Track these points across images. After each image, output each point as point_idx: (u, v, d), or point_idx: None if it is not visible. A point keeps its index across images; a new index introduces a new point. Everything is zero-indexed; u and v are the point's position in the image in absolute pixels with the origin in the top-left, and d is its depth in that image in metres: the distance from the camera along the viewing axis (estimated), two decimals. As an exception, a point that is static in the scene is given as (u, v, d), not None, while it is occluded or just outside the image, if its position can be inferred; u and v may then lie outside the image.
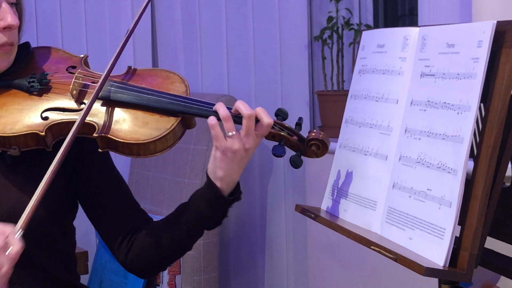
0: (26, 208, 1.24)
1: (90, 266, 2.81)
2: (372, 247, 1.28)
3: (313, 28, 2.90)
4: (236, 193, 1.45)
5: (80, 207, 1.58)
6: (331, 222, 1.45)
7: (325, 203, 1.55)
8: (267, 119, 1.37)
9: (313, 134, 1.41)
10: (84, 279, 2.72)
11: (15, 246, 1.20)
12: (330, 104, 2.70)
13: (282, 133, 1.41)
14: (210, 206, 1.42)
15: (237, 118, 1.37)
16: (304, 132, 1.44)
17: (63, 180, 1.49)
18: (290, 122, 1.45)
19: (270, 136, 1.42)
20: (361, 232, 1.36)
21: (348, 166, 1.49)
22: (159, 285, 2.75)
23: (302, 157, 1.42)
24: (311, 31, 2.89)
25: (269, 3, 2.89)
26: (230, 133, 1.36)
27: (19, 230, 1.22)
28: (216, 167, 1.40)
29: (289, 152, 1.42)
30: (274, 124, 1.41)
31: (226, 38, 3.04)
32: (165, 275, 2.74)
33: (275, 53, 2.89)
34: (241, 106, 1.37)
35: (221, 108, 1.37)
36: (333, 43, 2.72)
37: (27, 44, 1.54)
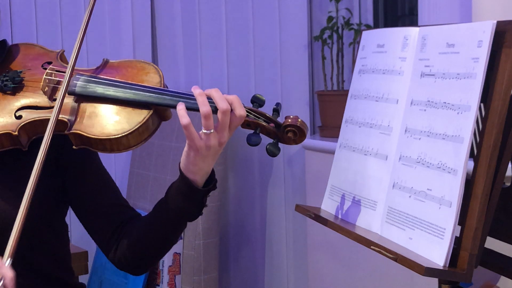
0: (11, 235, 1.21)
1: (90, 266, 2.81)
2: (372, 247, 1.28)
3: (313, 28, 2.90)
4: (211, 182, 1.40)
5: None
6: (331, 222, 1.45)
7: (325, 203, 1.55)
8: (240, 111, 1.31)
9: (290, 120, 1.36)
10: (84, 279, 2.72)
11: (7, 276, 1.18)
12: (330, 104, 2.69)
13: (258, 121, 1.36)
14: (187, 200, 1.39)
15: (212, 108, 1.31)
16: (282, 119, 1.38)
17: (47, 179, 1.47)
18: (284, 113, 1.40)
19: (245, 125, 1.36)
20: (361, 232, 1.36)
21: (348, 166, 1.49)
22: (159, 285, 2.75)
23: (280, 145, 1.37)
24: (311, 31, 2.89)
25: (269, 3, 2.89)
26: (207, 131, 1.31)
27: (7, 259, 1.20)
28: (190, 163, 1.35)
29: (266, 141, 1.37)
30: (249, 112, 1.36)
31: (226, 38, 3.03)
32: (165, 275, 2.74)
33: (275, 53, 2.89)
34: (217, 99, 1.31)
35: (203, 104, 1.30)
36: (333, 43, 2.72)
37: (3, 41, 1.53)
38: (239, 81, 3.01)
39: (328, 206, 1.53)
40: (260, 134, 1.36)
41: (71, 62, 1.39)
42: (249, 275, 3.07)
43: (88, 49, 3.06)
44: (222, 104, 1.30)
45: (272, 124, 1.37)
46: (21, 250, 1.41)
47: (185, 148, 1.35)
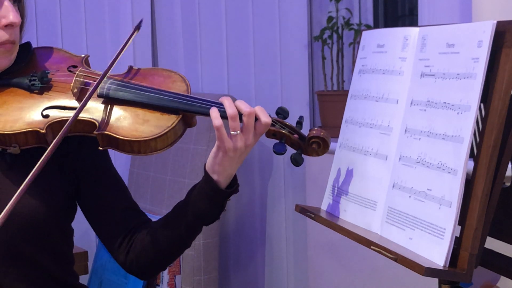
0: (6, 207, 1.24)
1: (90, 266, 2.81)
2: (372, 247, 1.28)
3: (313, 28, 2.90)
4: (233, 185, 1.44)
5: (79, 209, 1.57)
6: (331, 222, 1.45)
7: (325, 203, 1.55)
8: (265, 118, 1.38)
9: (314, 132, 1.41)
10: (84, 279, 2.72)
11: None
12: (330, 104, 2.70)
13: (283, 131, 1.41)
14: (208, 200, 1.42)
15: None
16: (304, 131, 1.44)
17: (62, 181, 1.49)
18: (291, 121, 1.45)
19: (271, 134, 1.42)
20: (361, 232, 1.36)
21: (348, 166, 1.49)
22: (159, 285, 2.75)
23: (303, 156, 1.43)
24: (311, 31, 2.89)
25: (269, 3, 2.89)
26: (234, 132, 1.37)
27: None
28: (216, 164, 1.40)
29: (290, 151, 1.42)
30: (275, 122, 1.41)
31: (226, 38, 3.04)
32: (165, 275, 2.74)
33: (275, 53, 2.89)
34: (241, 104, 1.38)
35: (229, 107, 1.38)
36: (333, 43, 2.72)
37: (28, 44, 1.54)
38: (239, 81, 3.01)
39: (328, 206, 1.53)
40: (286, 144, 1.41)
41: (110, 65, 1.42)
42: (249, 275, 3.07)
43: (88, 49, 3.07)
44: (245, 108, 1.37)
45: (296, 136, 1.42)
46: (29, 251, 1.41)
47: (214, 149, 1.41)
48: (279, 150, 1.39)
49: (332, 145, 1.44)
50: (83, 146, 1.49)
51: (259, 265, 3.04)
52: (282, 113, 1.44)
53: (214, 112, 1.37)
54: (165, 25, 3.23)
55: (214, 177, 1.41)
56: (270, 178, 2.96)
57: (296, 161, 1.41)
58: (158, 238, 1.48)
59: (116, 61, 1.44)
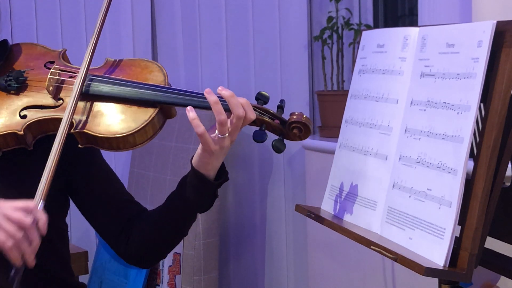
0: (41, 179, 1.27)
1: (90, 266, 2.81)
2: (372, 247, 1.28)
3: (313, 28, 2.90)
4: (222, 175, 1.43)
5: (72, 205, 1.57)
6: (331, 222, 1.45)
7: (325, 203, 1.55)
8: (251, 114, 1.34)
9: (295, 116, 1.38)
10: (84, 279, 2.72)
11: (42, 218, 1.23)
12: (330, 104, 2.69)
13: (263, 118, 1.38)
14: (199, 192, 1.42)
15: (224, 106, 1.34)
16: (286, 115, 1.40)
17: (54, 177, 1.48)
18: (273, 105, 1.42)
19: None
20: (361, 232, 1.36)
21: (348, 166, 1.49)
22: (159, 285, 2.75)
23: (285, 141, 1.39)
24: (311, 31, 2.89)
25: (269, 3, 2.88)
26: (222, 135, 1.34)
27: (40, 202, 1.25)
28: (203, 163, 1.39)
29: (271, 138, 1.38)
30: (255, 109, 1.38)
31: (226, 38, 3.03)
32: (165, 275, 2.74)
33: (275, 53, 2.89)
34: (234, 105, 1.33)
35: (220, 114, 1.32)
36: (333, 43, 2.72)
37: (4, 41, 1.53)
38: (239, 81, 3.01)
39: (328, 206, 1.53)
40: (266, 131, 1.37)
41: (84, 64, 1.40)
42: (249, 275, 3.07)
43: (87, 43, 3.06)
44: (238, 111, 1.33)
45: (277, 121, 1.39)
46: None
47: (199, 151, 1.38)
48: (259, 138, 1.36)
49: (332, 145, 1.44)
50: (70, 141, 1.47)
51: (259, 265, 3.04)
52: (262, 98, 1.40)
53: (194, 120, 1.32)
54: (165, 25, 3.22)
55: (202, 171, 1.39)
56: (270, 178, 2.96)
57: (278, 148, 1.36)
58: (155, 228, 1.49)
59: (92, 56, 1.42)
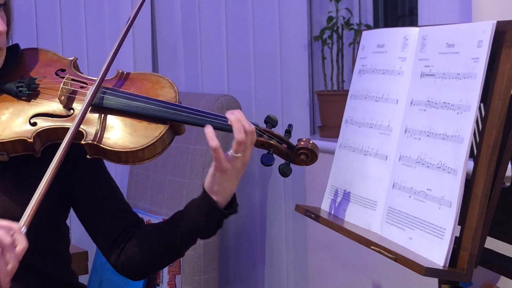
0: (29, 205, 1.25)
1: (90, 266, 2.81)
2: (372, 247, 1.28)
3: (313, 28, 2.90)
4: (232, 205, 1.43)
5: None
6: (331, 222, 1.45)
7: (325, 203, 1.55)
8: (252, 139, 1.35)
9: (302, 143, 1.40)
10: (84, 279, 2.72)
11: (21, 243, 1.21)
12: (330, 104, 2.69)
13: (271, 142, 1.40)
14: (205, 218, 1.41)
15: (230, 127, 1.35)
16: (293, 139, 1.42)
17: (54, 183, 1.48)
18: (294, 124, 1.43)
19: (259, 144, 1.40)
20: (361, 232, 1.36)
21: (348, 166, 1.49)
22: (159, 285, 2.75)
23: (291, 166, 1.41)
24: (311, 31, 2.89)
25: (269, 3, 2.89)
26: (237, 154, 1.34)
27: (23, 227, 1.23)
28: (215, 183, 1.39)
29: (279, 161, 1.40)
30: (263, 132, 1.40)
31: (226, 39, 3.03)
32: (165, 275, 2.74)
33: (275, 53, 2.89)
34: (244, 122, 1.34)
35: (240, 132, 1.33)
36: (333, 43, 2.72)
37: (16, 46, 1.53)
38: (239, 81, 3.01)
39: (328, 206, 1.53)
40: (274, 154, 1.39)
41: (99, 77, 1.41)
42: (249, 275, 3.07)
43: (88, 49, 3.06)
44: (248, 126, 1.34)
45: (284, 145, 1.41)
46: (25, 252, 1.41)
47: (211, 170, 1.38)
48: (266, 162, 1.38)
49: (332, 145, 1.44)
50: (73, 149, 1.47)
51: (259, 265, 3.04)
52: (270, 122, 1.42)
53: (209, 133, 1.33)
54: (165, 25, 3.22)
55: (214, 197, 1.39)
56: (270, 178, 2.96)
57: (284, 172, 1.39)
58: (151, 245, 1.47)
59: (110, 67, 1.42)
